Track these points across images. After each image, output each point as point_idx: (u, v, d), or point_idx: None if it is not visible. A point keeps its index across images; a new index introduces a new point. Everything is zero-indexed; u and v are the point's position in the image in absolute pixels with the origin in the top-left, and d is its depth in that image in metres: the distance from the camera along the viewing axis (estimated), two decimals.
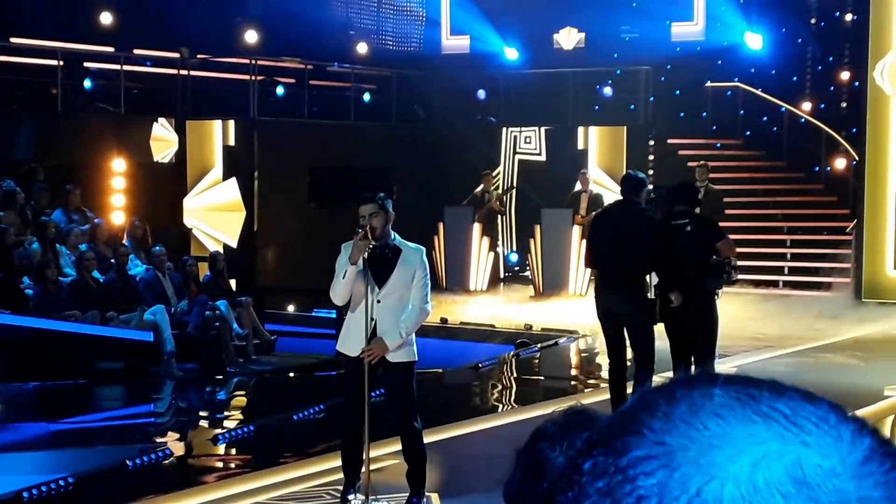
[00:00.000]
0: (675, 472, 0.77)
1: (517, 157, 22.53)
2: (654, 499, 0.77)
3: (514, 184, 22.40)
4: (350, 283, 7.54)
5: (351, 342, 7.70)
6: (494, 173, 22.17)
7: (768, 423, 0.78)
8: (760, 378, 0.84)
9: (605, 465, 0.79)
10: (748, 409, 0.79)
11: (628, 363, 10.19)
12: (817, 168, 21.43)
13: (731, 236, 10.92)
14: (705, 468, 0.77)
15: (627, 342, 10.01)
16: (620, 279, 9.83)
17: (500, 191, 21.88)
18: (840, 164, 20.84)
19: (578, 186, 20.51)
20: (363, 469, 7.84)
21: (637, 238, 9.74)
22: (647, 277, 10.18)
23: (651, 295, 10.12)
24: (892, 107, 18.15)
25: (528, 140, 22.45)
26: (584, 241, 10.59)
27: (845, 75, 21.58)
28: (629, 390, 9.94)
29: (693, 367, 9.74)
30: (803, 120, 21.84)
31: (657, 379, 9.80)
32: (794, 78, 22.36)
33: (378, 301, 7.57)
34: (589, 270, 19.62)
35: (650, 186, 13.20)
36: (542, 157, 22.37)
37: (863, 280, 18.13)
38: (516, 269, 22.01)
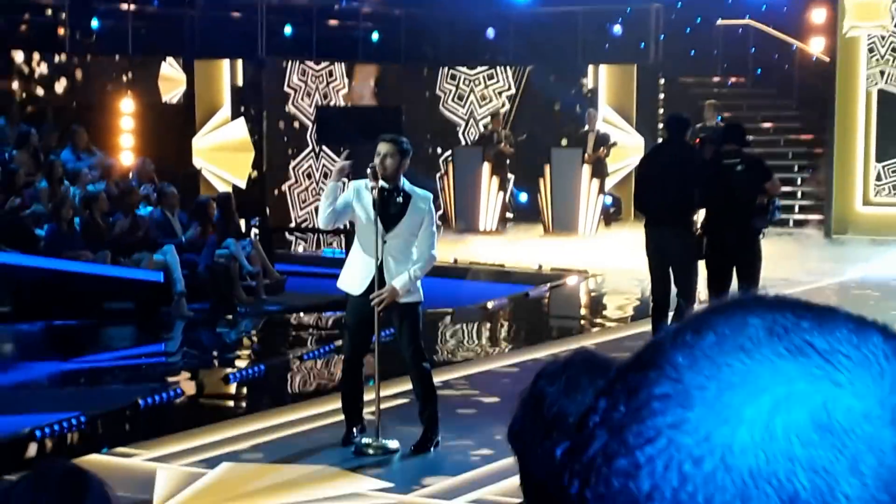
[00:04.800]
0: (689, 413, 0.70)
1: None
2: (662, 440, 0.70)
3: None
4: (329, 199, 7.58)
5: (355, 280, 7.73)
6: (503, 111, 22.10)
7: (798, 359, 0.70)
8: (810, 304, 0.74)
9: (618, 402, 0.73)
10: (779, 343, 0.71)
11: (672, 299, 10.43)
12: (828, 106, 21.31)
13: None
14: (720, 410, 0.69)
15: (672, 278, 10.33)
16: (670, 217, 10.14)
17: (510, 132, 21.79)
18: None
19: (585, 126, 20.46)
20: (372, 409, 7.88)
21: (686, 177, 10.07)
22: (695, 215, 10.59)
23: (697, 231, 10.47)
24: (861, 44, 18.11)
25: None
26: (634, 183, 10.84)
27: None
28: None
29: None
30: (815, 58, 21.69)
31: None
32: (806, 16, 22.16)
33: (384, 242, 7.60)
34: (600, 211, 19.67)
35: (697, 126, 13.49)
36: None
37: (832, 217, 18.29)
38: (521, 212, 21.99)
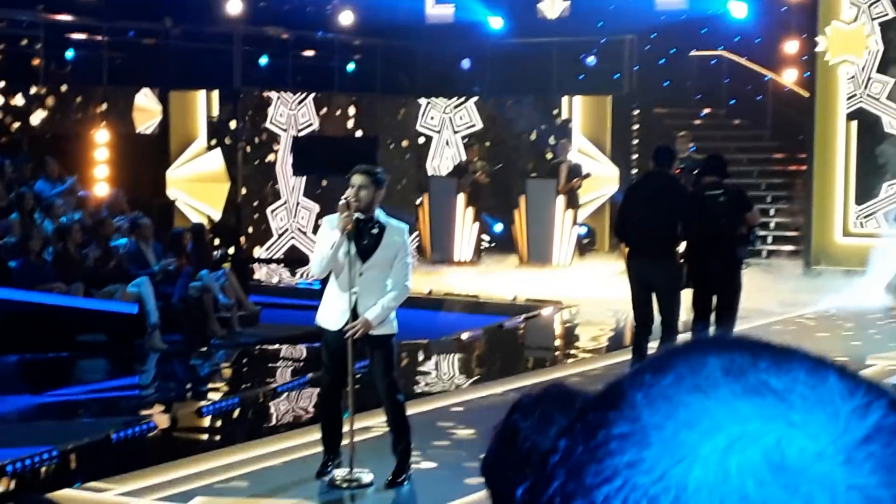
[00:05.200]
0: (645, 452, 0.70)
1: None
2: (618, 480, 0.70)
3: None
4: (336, 255, 7.55)
5: (331, 315, 7.72)
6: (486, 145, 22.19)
7: (754, 398, 0.70)
8: (768, 344, 0.75)
9: (577, 442, 0.73)
10: (735, 383, 0.71)
11: (655, 327, 10.59)
12: (801, 136, 21.44)
13: None
14: (675, 449, 0.69)
15: (655, 308, 10.49)
16: (655, 248, 10.31)
17: (484, 162, 21.85)
18: None
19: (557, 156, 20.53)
20: (346, 442, 7.86)
21: (671, 207, 10.27)
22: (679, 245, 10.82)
23: (679, 262, 10.66)
24: (840, 74, 18.26)
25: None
26: (617, 212, 11.05)
27: None
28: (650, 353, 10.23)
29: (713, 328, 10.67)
30: (788, 88, 21.84)
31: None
32: (778, 46, 22.33)
33: (360, 274, 7.59)
34: (574, 242, 19.72)
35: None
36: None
37: (812, 247, 18.35)
38: (493, 243, 22.02)
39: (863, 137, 18.17)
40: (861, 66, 18.29)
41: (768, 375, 0.71)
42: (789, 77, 21.98)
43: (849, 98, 18.31)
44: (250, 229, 20.71)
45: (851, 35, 18.15)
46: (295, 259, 20.29)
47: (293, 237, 21.25)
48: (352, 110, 22.27)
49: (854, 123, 18.22)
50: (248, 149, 20.52)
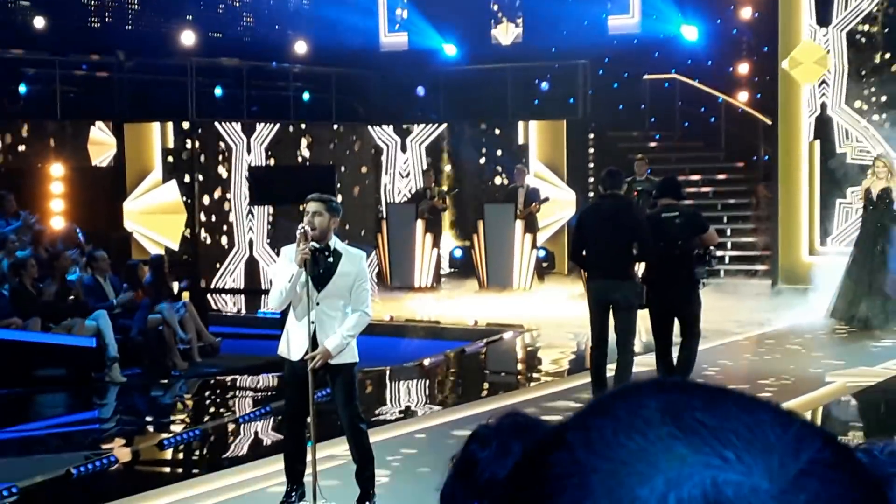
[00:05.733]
0: (586, 493, 0.71)
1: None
2: None
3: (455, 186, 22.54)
4: (294, 287, 7.53)
5: (291, 346, 7.71)
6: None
7: (691, 438, 0.72)
8: (704, 385, 0.77)
9: (521, 484, 0.75)
10: (671, 424, 0.73)
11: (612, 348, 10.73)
12: (755, 157, 21.65)
13: None
14: (614, 490, 0.70)
15: (612, 327, 10.65)
16: (612, 269, 10.45)
17: (443, 187, 21.93)
18: None
19: (514, 181, 20.64)
20: (309, 471, 7.83)
21: (626, 228, 10.43)
22: (636, 266, 11.05)
23: (638, 282, 10.83)
24: (803, 95, 18.43)
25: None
26: (572, 237, 11.20)
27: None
28: (609, 374, 10.73)
29: (677, 350, 10.96)
30: (741, 110, 22.04)
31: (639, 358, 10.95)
32: (730, 69, 22.55)
33: (317, 303, 7.58)
34: (533, 266, 19.77)
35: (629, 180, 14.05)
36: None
37: (779, 266, 18.44)
38: (453, 268, 22.05)
39: (825, 156, 18.31)
40: (820, 85, 18.43)
41: (703, 415, 0.73)
42: (741, 98, 22.19)
43: (810, 116, 18.47)
44: (209, 259, 20.62)
45: (812, 54, 18.31)
46: (253, 289, 20.23)
47: (250, 266, 21.19)
48: (307, 139, 22.27)
49: (817, 143, 18.37)
50: (203, 178, 20.46)
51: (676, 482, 0.70)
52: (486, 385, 13.70)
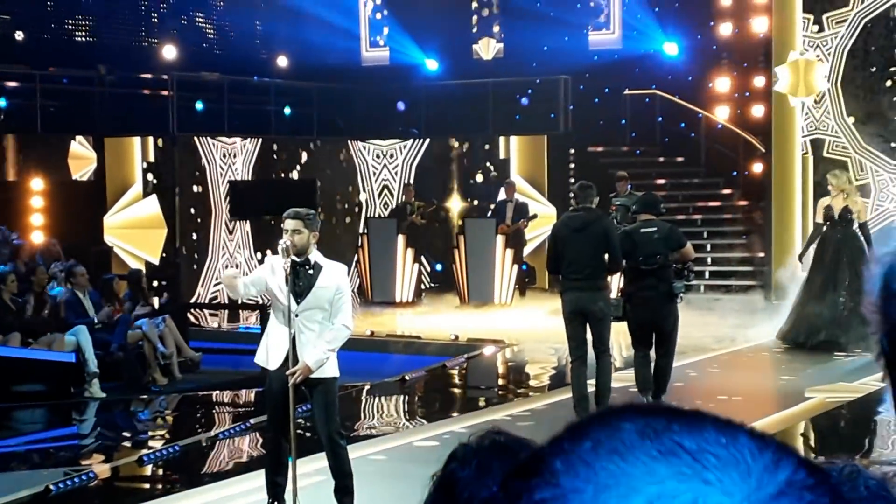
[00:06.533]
0: None
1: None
2: None
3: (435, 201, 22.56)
4: (276, 296, 7.62)
5: (270, 355, 7.74)
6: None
7: (669, 459, 0.73)
8: (681, 409, 0.78)
9: None
10: (651, 446, 0.74)
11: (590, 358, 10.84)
12: (735, 173, 21.72)
13: None
14: None
15: (588, 337, 10.76)
16: (586, 280, 10.58)
17: (421, 203, 21.93)
18: (758, 168, 21.13)
19: (503, 196, 20.67)
20: (289, 486, 7.82)
21: (599, 239, 10.58)
22: (610, 278, 11.24)
23: (616, 295, 11.14)
24: (797, 110, 18.49)
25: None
26: (547, 249, 11.29)
27: (760, 80, 21.92)
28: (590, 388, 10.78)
29: (654, 361, 11.10)
30: (720, 126, 22.12)
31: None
32: (711, 84, 22.64)
33: (296, 315, 7.60)
34: (514, 281, 19.79)
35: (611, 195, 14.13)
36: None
37: (772, 282, 18.43)
38: (434, 283, 22.05)
39: (819, 170, 18.34)
40: (815, 101, 18.46)
41: (682, 437, 0.74)
42: (721, 114, 22.27)
43: (805, 134, 18.51)
44: (189, 274, 20.58)
45: (806, 69, 18.36)
46: (234, 304, 20.18)
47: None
48: (288, 154, 22.26)
49: (810, 157, 18.41)
50: (184, 193, 20.42)
51: (657, 503, 0.71)
52: (466, 400, 13.69)
